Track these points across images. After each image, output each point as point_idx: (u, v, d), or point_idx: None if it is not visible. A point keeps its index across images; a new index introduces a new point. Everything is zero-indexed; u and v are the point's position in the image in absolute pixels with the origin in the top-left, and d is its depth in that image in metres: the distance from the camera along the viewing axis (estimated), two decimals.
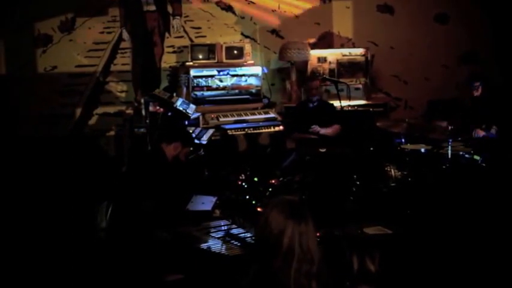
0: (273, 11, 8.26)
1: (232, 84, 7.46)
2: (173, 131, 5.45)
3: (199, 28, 8.15)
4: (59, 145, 7.52)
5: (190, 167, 5.93)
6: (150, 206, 4.39)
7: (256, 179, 5.96)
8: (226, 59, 7.46)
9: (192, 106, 6.39)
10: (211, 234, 4.25)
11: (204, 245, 4.02)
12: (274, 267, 2.31)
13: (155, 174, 4.63)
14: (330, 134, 6.59)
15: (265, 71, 7.62)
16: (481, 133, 6.43)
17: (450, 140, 5.77)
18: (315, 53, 7.86)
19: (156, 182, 4.56)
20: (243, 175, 6.06)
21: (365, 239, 4.61)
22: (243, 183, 5.92)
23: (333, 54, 7.90)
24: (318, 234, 2.42)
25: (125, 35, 7.72)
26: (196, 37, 8.10)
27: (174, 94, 6.82)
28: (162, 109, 6.46)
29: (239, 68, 7.46)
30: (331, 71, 7.82)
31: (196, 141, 6.19)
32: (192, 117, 6.46)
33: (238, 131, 6.98)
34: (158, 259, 3.91)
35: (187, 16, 8.07)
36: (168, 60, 8.04)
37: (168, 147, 4.89)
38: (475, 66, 8.23)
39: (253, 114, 7.24)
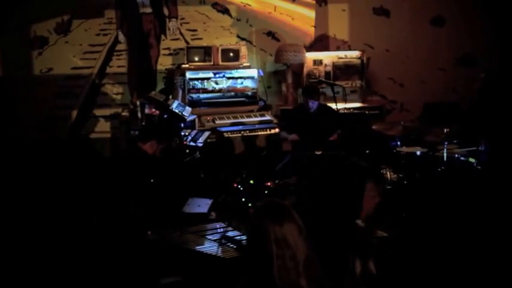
0: (269, 13, 8.28)
1: (228, 86, 7.46)
2: (147, 130, 5.49)
3: (195, 30, 8.16)
4: (54, 147, 7.50)
5: (186, 170, 5.94)
6: (137, 205, 4.39)
7: (252, 181, 5.96)
8: (222, 61, 7.46)
9: (188, 108, 6.39)
10: (207, 236, 4.24)
11: (199, 248, 4.01)
12: (260, 269, 2.32)
13: (138, 174, 4.66)
14: None
15: (261, 73, 7.62)
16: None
17: (446, 143, 5.78)
18: (311, 56, 7.88)
19: (141, 181, 4.58)
20: (239, 177, 6.06)
21: (365, 242, 4.61)
22: (239, 186, 5.92)
23: (328, 57, 7.91)
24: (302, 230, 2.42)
25: (121, 37, 7.72)
26: (192, 39, 8.10)
27: (170, 96, 6.80)
28: (157, 111, 6.46)
29: (235, 71, 7.46)
30: (327, 73, 7.85)
31: (192, 143, 6.20)
32: (188, 119, 6.46)
33: (234, 134, 6.98)
34: (152, 261, 3.91)
35: (183, 18, 8.07)
36: (164, 63, 8.04)
37: (144, 146, 4.92)
38: (472, 69, 8.25)
39: (249, 116, 7.25)
